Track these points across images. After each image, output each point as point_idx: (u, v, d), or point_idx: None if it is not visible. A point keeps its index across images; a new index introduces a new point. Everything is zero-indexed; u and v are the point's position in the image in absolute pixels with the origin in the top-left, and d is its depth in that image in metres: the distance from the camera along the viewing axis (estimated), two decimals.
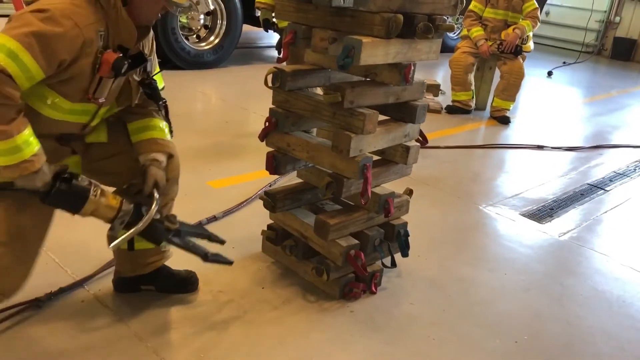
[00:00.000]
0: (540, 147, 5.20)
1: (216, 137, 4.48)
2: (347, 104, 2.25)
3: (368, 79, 2.46)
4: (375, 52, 2.16)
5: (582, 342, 2.49)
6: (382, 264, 2.70)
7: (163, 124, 2.26)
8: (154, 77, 2.20)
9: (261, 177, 3.71)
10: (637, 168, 4.93)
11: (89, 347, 2.12)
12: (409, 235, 2.73)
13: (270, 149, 2.58)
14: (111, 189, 2.13)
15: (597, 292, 2.90)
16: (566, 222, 3.71)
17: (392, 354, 2.28)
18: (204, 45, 6.71)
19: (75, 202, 1.95)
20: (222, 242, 2.32)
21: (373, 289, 2.63)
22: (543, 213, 3.81)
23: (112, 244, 2.03)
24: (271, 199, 2.60)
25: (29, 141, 1.80)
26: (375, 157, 2.50)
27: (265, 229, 2.77)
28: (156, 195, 2.11)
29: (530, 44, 5.83)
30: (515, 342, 2.43)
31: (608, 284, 3.00)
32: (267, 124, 2.53)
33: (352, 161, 2.31)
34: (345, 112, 2.28)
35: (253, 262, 2.79)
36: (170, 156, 2.24)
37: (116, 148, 2.22)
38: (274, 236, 2.72)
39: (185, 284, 2.52)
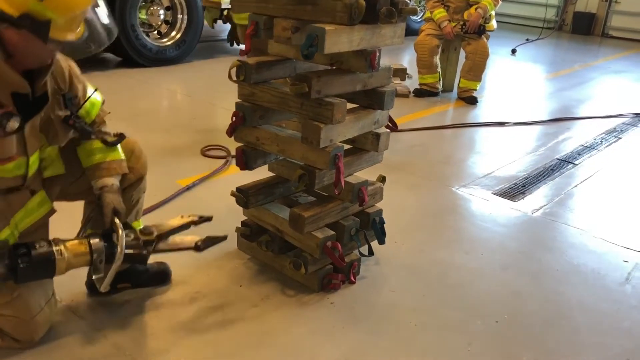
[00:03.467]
0: (504, 124, 5.24)
1: (184, 134, 4.40)
2: (314, 94, 2.21)
3: (334, 68, 2.43)
4: (339, 40, 2.13)
5: (560, 317, 2.51)
6: (360, 253, 2.68)
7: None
8: (85, 107, 2.09)
9: (233, 172, 3.67)
10: (603, 140, 5.00)
11: None
12: (384, 223, 2.71)
13: (239, 144, 2.54)
14: (70, 236, 2.06)
15: (572, 267, 2.93)
16: (538, 198, 3.74)
17: (375, 343, 2.26)
18: (165, 41, 6.57)
19: (46, 269, 1.92)
20: (209, 219, 2.28)
21: (352, 278, 2.62)
22: (515, 191, 3.84)
23: (104, 285, 2.00)
24: (243, 195, 2.56)
25: None
26: (346, 146, 2.47)
27: (239, 225, 2.73)
28: (118, 222, 2.05)
29: (493, 23, 5.85)
30: (496, 322, 2.44)
31: (583, 257, 3.03)
32: (234, 118, 2.48)
33: (323, 152, 2.27)
34: (313, 103, 2.24)
35: (229, 260, 2.74)
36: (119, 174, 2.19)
37: (77, 171, 2.19)
38: (249, 232, 2.68)
39: (160, 276, 2.49)
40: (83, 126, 2.03)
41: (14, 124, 1.78)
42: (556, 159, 4.47)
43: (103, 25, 1.88)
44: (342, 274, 2.58)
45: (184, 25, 6.59)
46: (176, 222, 2.24)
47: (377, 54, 2.31)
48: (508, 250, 3.06)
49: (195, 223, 2.26)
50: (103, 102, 2.22)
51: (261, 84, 2.42)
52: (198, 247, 2.22)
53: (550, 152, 4.64)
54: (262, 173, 2.66)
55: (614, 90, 7.04)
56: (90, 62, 5.54)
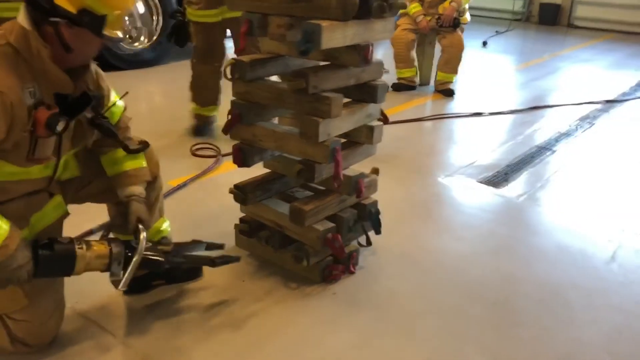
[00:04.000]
0: (482, 114, 5.37)
1: (168, 136, 4.40)
2: (312, 89, 2.25)
3: (327, 63, 2.47)
4: (335, 36, 2.17)
5: (554, 296, 2.61)
6: (358, 243, 2.74)
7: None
8: (110, 110, 2.11)
9: (223, 171, 3.69)
10: (578, 127, 5.16)
11: None
12: (380, 213, 2.77)
13: (233, 142, 2.57)
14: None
15: (560, 248, 3.04)
16: (521, 184, 3.85)
17: (379, 329, 2.33)
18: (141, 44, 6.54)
19: (65, 264, 1.91)
20: (221, 246, 2.34)
21: (352, 269, 2.67)
22: (498, 178, 3.95)
23: (121, 286, 2.01)
24: (242, 192, 2.59)
25: None
26: (341, 140, 2.52)
27: (237, 222, 2.76)
28: (141, 229, 2.09)
29: (467, 16, 5.97)
30: (493, 305, 2.53)
31: (569, 239, 3.14)
32: (230, 117, 2.51)
33: (321, 146, 2.32)
34: (310, 98, 2.28)
35: None
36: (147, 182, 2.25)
37: (92, 174, 2.20)
38: (248, 229, 2.71)
39: (193, 271, 2.50)
40: (109, 127, 2.03)
41: (62, 124, 1.79)
42: (535, 147, 4.60)
43: (143, 24, 1.91)
44: (342, 264, 2.64)
45: (159, 28, 6.56)
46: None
47: (371, 48, 2.36)
48: (498, 236, 3.16)
49: (209, 248, 2.35)
50: (125, 108, 2.24)
51: (256, 81, 2.46)
52: (214, 263, 2.30)
53: (529, 140, 4.76)
54: (252, 171, 2.67)
55: (583, 78, 7.24)
56: None
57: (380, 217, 2.78)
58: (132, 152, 2.15)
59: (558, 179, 3.99)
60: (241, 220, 2.76)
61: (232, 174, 3.61)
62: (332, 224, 2.52)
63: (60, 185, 2.11)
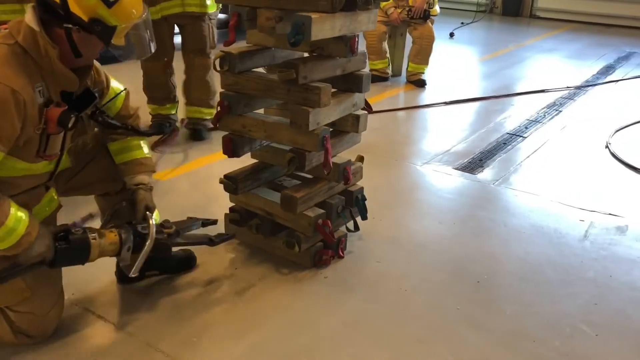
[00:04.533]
0: (453, 103, 5.52)
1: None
2: (302, 79, 2.33)
3: (314, 54, 2.55)
4: (324, 27, 2.25)
5: (534, 273, 2.75)
6: (347, 228, 2.83)
7: (142, 141, 2.31)
8: (109, 103, 2.18)
9: (205, 164, 3.74)
10: (546, 114, 5.34)
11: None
12: (366, 199, 2.87)
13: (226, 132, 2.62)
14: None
15: (536, 228, 3.19)
16: (496, 170, 4.00)
17: (373, 310, 2.43)
18: None
19: (81, 253, 2.00)
20: (214, 222, 2.43)
21: (341, 253, 2.76)
22: (474, 165, 4.09)
23: (132, 272, 2.11)
24: (232, 182, 2.65)
25: (18, 217, 1.81)
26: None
27: (227, 212, 2.82)
28: (149, 216, 2.19)
29: (437, 8, 6.09)
30: (477, 282, 2.65)
31: (544, 219, 3.30)
32: (219, 108, 2.56)
33: (312, 134, 2.40)
34: (300, 88, 2.35)
35: (219, 247, 2.81)
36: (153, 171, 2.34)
37: (79, 164, 2.24)
38: (238, 218, 2.78)
39: (186, 261, 2.60)
40: (109, 121, 2.11)
41: (72, 121, 1.87)
42: (506, 133, 4.76)
43: (148, 36, 2.01)
44: (332, 249, 2.73)
45: None
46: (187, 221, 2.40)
47: (357, 39, 2.45)
48: (477, 218, 3.29)
49: (204, 225, 2.44)
50: (127, 94, 2.29)
51: (245, 72, 2.52)
52: (212, 241, 2.42)
53: (500, 127, 4.93)
54: (232, 162, 2.73)
55: (548, 67, 7.46)
56: None
57: (366, 203, 2.88)
58: (144, 135, 2.26)
59: (530, 164, 4.15)
60: (231, 209, 2.82)
61: (212, 166, 3.68)
62: (322, 211, 2.61)
63: (54, 180, 2.16)
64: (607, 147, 4.50)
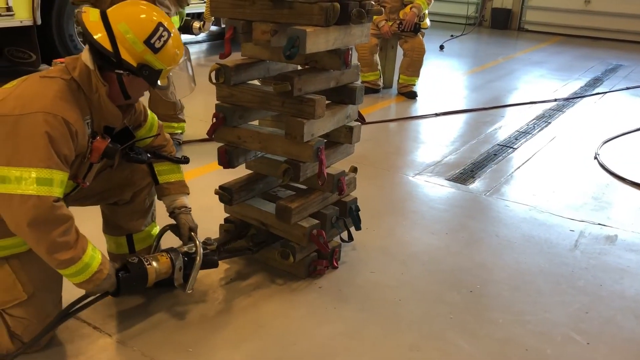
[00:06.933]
0: (444, 115, 5.58)
1: None
2: (296, 91, 2.36)
3: (308, 67, 2.59)
4: (318, 40, 2.29)
5: (524, 283, 2.79)
6: (341, 238, 2.85)
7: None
8: (144, 127, 2.39)
9: (203, 173, 3.75)
10: (536, 125, 5.42)
11: None
12: (359, 210, 2.90)
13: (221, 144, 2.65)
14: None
15: (527, 238, 3.23)
16: (487, 181, 4.05)
17: (367, 319, 2.45)
18: None
19: (141, 280, 2.17)
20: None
21: (335, 264, 2.79)
22: (465, 175, 4.14)
23: (188, 288, 2.28)
24: (227, 193, 2.67)
25: (93, 255, 1.96)
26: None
27: (222, 222, 2.84)
28: (194, 236, 2.39)
29: (427, 21, 6.18)
30: (470, 292, 2.68)
31: (534, 230, 3.34)
32: (214, 119, 2.59)
33: (306, 146, 2.43)
34: (295, 100, 2.39)
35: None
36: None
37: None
38: (233, 228, 2.79)
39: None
40: (138, 158, 2.30)
41: (117, 153, 2.08)
42: (497, 145, 4.82)
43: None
44: (326, 260, 2.75)
45: None
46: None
47: (350, 53, 2.49)
48: (468, 229, 3.33)
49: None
50: (162, 125, 2.51)
51: (240, 85, 2.55)
52: (251, 250, 2.61)
53: (490, 138, 4.99)
54: (227, 173, 2.76)
55: (537, 79, 7.57)
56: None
57: (359, 213, 2.91)
58: (177, 162, 2.47)
59: (521, 175, 4.20)
60: (226, 220, 2.83)
61: (206, 177, 3.70)
62: (316, 221, 2.63)
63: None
64: (595, 158, 4.57)
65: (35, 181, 1.78)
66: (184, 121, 4.33)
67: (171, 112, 4.24)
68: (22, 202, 1.78)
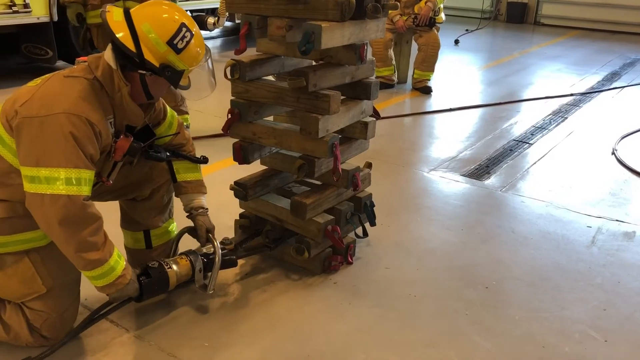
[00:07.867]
0: (459, 110, 5.55)
1: None
2: (311, 87, 2.35)
3: (322, 62, 2.58)
4: (334, 35, 2.28)
5: (542, 279, 2.76)
6: (355, 234, 2.85)
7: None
8: (164, 124, 2.41)
9: (218, 169, 3.76)
10: (552, 121, 5.36)
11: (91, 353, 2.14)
12: (374, 206, 2.89)
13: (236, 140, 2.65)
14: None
15: (544, 234, 3.20)
16: (503, 176, 4.02)
17: (382, 315, 2.44)
18: None
19: (163, 284, 2.21)
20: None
21: (349, 259, 2.78)
22: (481, 171, 4.11)
23: (209, 289, 2.32)
24: (242, 188, 2.68)
25: (118, 259, 2.00)
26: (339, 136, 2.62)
27: (237, 218, 2.84)
28: (212, 237, 2.42)
29: (442, 15, 6.14)
30: (486, 288, 2.67)
31: (551, 226, 3.31)
32: (229, 115, 2.59)
33: (321, 141, 2.42)
34: (310, 96, 2.38)
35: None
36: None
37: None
38: (248, 224, 2.80)
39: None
40: (157, 157, 2.33)
41: (139, 151, 2.14)
42: (512, 140, 4.78)
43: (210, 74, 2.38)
44: (341, 255, 2.75)
45: None
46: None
47: (366, 47, 2.48)
48: (484, 225, 3.30)
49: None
50: (182, 124, 2.52)
51: (255, 80, 2.55)
52: (269, 247, 2.63)
53: (506, 134, 4.95)
54: (242, 169, 2.76)
55: (553, 74, 7.49)
56: (45, 70, 5.46)
57: (374, 209, 2.90)
58: (196, 162, 2.47)
59: (537, 171, 4.16)
60: (241, 215, 2.84)
61: (221, 173, 3.71)
62: (331, 217, 2.63)
63: None
64: (613, 153, 4.51)
65: (64, 181, 1.83)
66: (187, 113, 4.31)
67: (172, 103, 4.23)
68: (53, 201, 1.82)
